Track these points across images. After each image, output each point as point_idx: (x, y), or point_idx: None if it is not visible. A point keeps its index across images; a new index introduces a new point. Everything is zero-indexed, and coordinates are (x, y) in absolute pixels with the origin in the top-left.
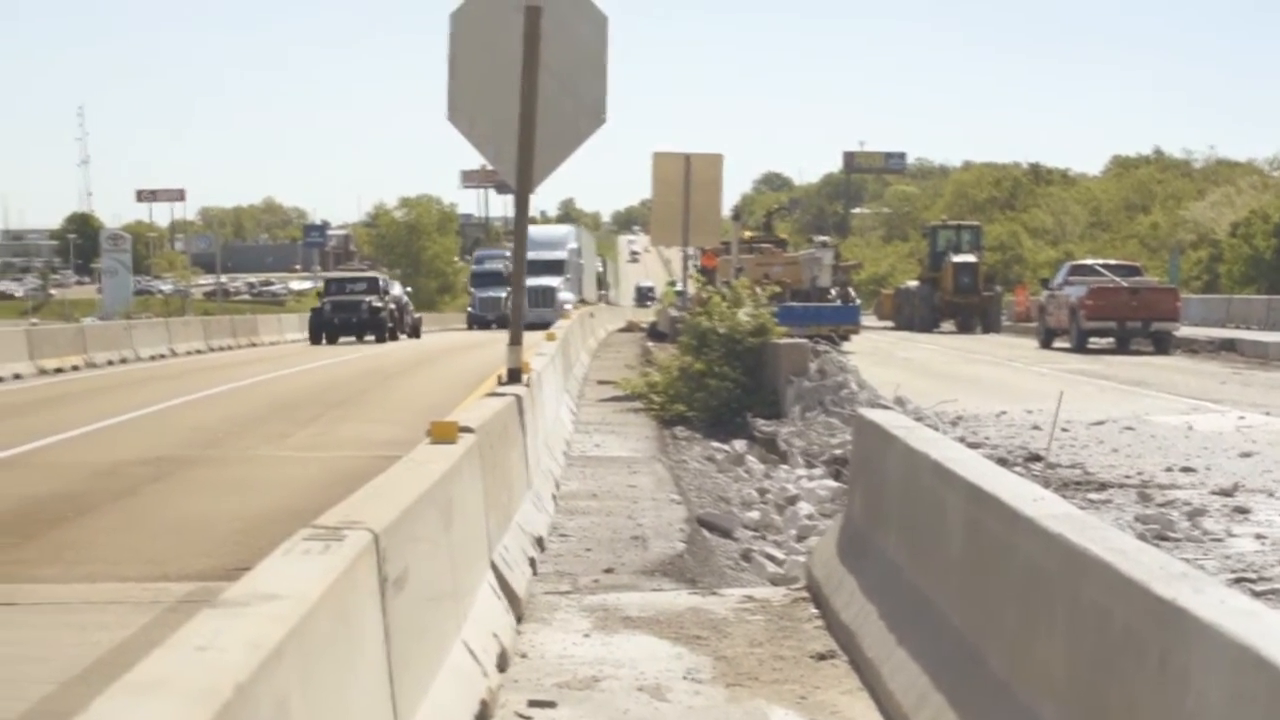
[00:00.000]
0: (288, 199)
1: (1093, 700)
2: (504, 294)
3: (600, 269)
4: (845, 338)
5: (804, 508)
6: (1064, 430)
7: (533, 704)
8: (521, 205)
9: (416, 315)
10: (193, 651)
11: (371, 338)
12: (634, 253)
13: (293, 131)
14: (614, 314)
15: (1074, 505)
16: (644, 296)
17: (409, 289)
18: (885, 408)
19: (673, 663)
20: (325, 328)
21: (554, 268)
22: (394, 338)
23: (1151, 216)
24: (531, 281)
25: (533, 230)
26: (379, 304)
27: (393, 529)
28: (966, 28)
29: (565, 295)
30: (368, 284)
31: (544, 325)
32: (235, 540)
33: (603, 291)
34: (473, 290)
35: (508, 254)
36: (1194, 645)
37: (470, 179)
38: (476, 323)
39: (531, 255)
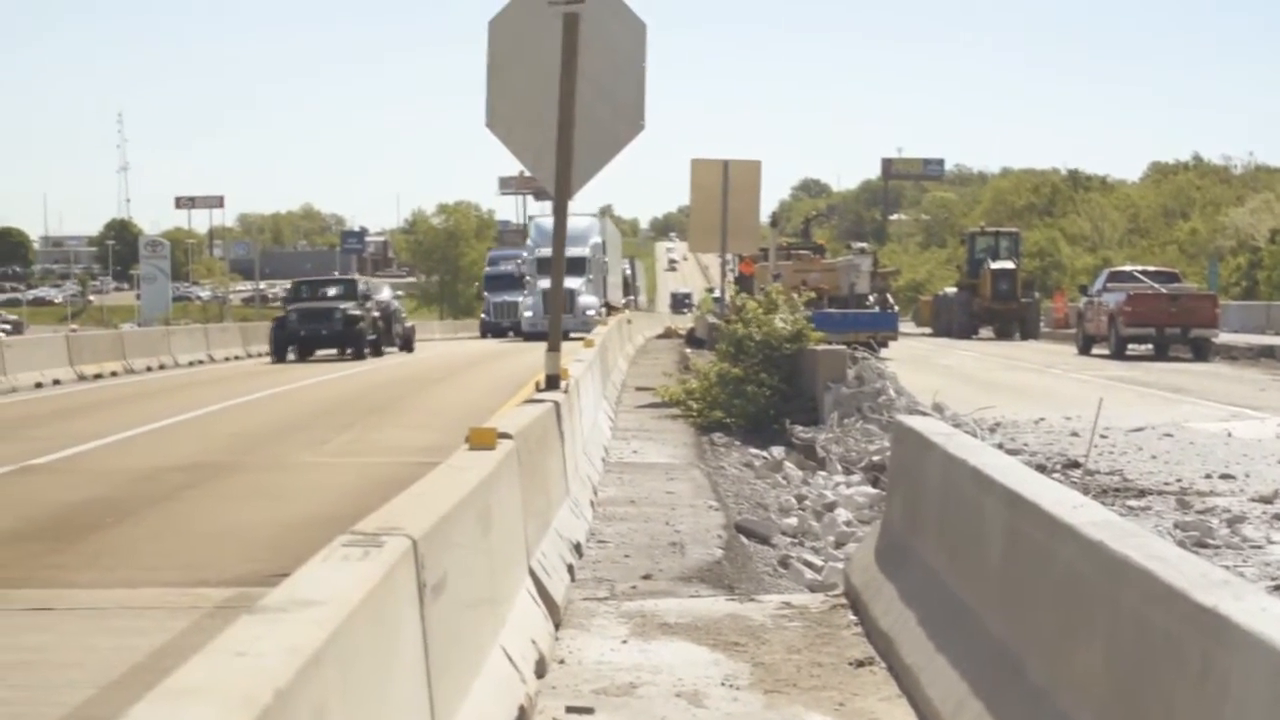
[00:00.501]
0: (326, 205)
1: (1132, 708)
2: (520, 297)
3: (627, 270)
4: (883, 344)
5: (842, 514)
6: (1103, 437)
7: (570, 710)
8: (560, 212)
9: (410, 324)
10: (232, 657)
11: (351, 352)
12: (672, 261)
13: (331, 138)
14: (647, 321)
15: (1113, 512)
16: (680, 303)
17: (399, 294)
18: (923, 414)
19: (710, 669)
20: (291, 341)
21: (574, 266)
22: (377, 353)
23: (1191, 223)
24: (544, 283)
25: (547, 223)
26: (356, 312)
27: (431, 535)
28: (1004, 35)
29: (588, 299)
30: (344, 288)
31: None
32: (273, 546)
33: (629, 297)
34: (486, 295)
35: (524, 253)
36: (1235, 653)
37: (508, 185)
38: (490, 330)
39: (544, 252)
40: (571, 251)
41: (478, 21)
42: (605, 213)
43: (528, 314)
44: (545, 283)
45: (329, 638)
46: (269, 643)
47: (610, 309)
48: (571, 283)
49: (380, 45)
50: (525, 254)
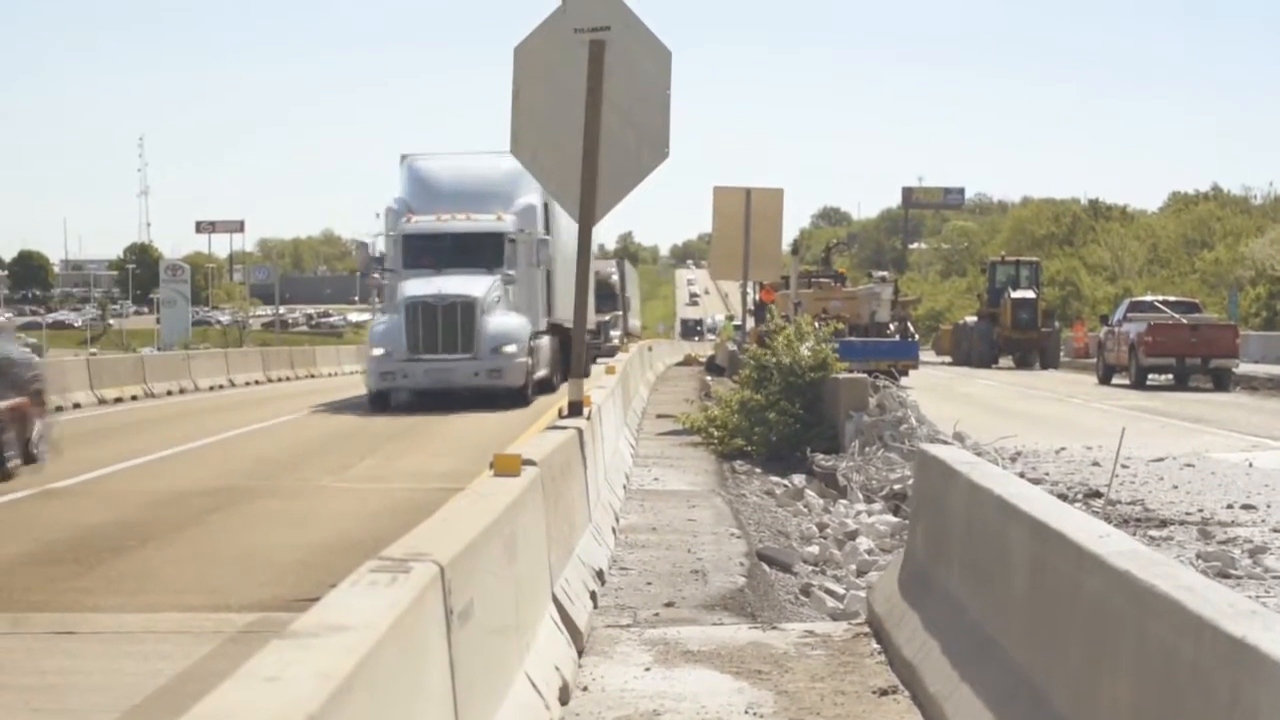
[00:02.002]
0: (347, 230)
1: None
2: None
3: (614, 275)
4: (904, 373)
5: (864, 543)
6: (1124, 467)
7: None
8: (584, 239)
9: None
10: (264, 682)
11: None
12: (694, 295)
13: (352, 163)
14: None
15: (1138, 542)
16: (690, 330)
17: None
18: (945, 443)
19: (734, 697)
20: None
21: (475, 251)
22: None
23: (1213, 253)
24: (420, 288)
25: (435, 165)
26: None
27: (458, 561)
28: (1025, 65)
29: (505, 323)
30: None
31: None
32: (296, 571)
33: (616, 312)
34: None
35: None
36: (1263, 684)
37: None
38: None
39: (424, 224)
40: (480, 220)
41: (503, 47)
42: (626, 240)
43: (377, 352)
44: (420, 287)
45: (359, 663)
46: (300, 668)
47: (630, 336)
48: (469, 286)
49: (402, 70)
50: (375, 241)
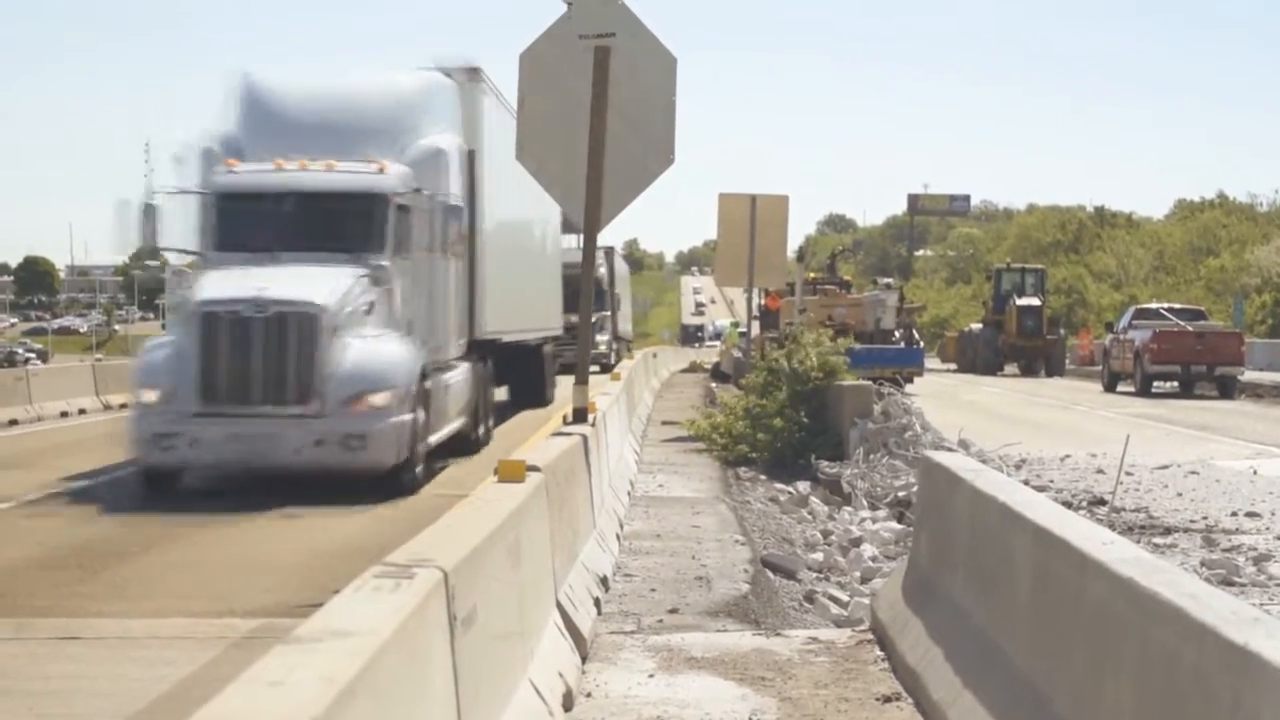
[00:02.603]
0: None
1: None
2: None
3: (602, 271)
4: (909, 380)
5: (868, 550)
6: (1128, 474)
7: None
8: (589, 245)
9: None
10: (267, 687)
11: None
12: (699, 304)
13: None
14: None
15: (1142, 550)
16: (690, 337)
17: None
18: (949, 450)
19: (737, 704)
20: None
21: (344, 222)
22: None
23: (1219, 260)
24: (237, 287)
25: (272, 81)
26: None
27: (462, 567)
28: (1031, 72)
29: (373, 354)
30: None
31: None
32: (300, 576)
33: (604, 312)
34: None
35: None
36: (1266, 690)
37: None
38: None
39: (245, 178)
40: (335, 171)
41: (508, 54)
42: (632, 247)
43: (147, 398)
44: (229, 284)
45: (362, 668)
46: (304, 673)
47: (620, 341)
48: (310, 285)
49: None
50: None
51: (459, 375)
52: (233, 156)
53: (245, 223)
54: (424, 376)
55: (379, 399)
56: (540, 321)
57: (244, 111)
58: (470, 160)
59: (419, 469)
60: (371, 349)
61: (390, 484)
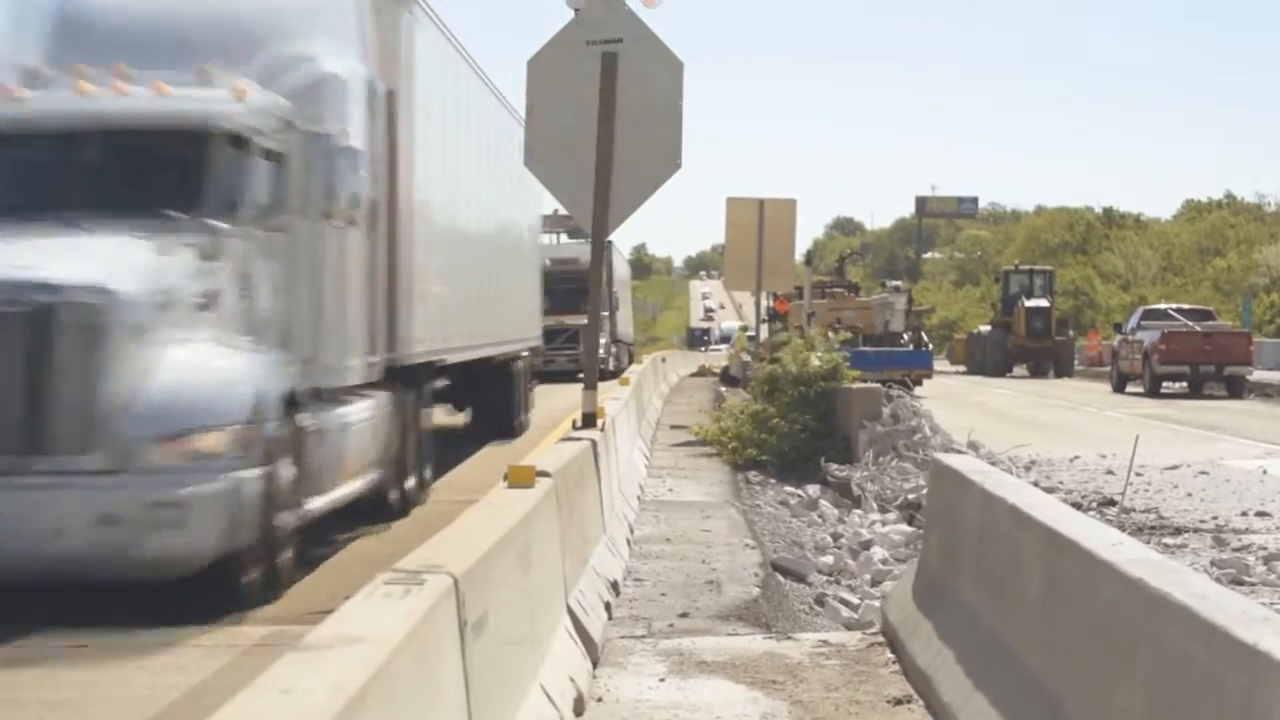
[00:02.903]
0: None
1: None
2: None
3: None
4: (918, 382)
5: (878, 552)
6: (1138, 475)
7: None
8: (597, 250)
9: None
10: (278, 694)
11: None
12: (709, 310)
13: None
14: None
15: (1152, 550)
16: (696, 340)
17: None
18: (959, 452)
19: (748, 707)
20: None
21: (163, 168)
22: None
23: (1227, 260)
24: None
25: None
26: None
27: (472, 573)
28: (1038, 74)
29: (194, 367)
30: None
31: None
32: (309, 583)
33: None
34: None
35: None
36: (1277, 689)
37: (544, 224)
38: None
39: (77, 102)
40: (160, 93)
41: (517, 59)
42: (640, 251)
43: None
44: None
45: (373, 675)
46: (315, 679)
47: (620, 344)
48: (93, 258)
49: None
50: None
51: (364, 410)
52: (26, 78)
53: (22, 171)
54: (294, 406)
55: (208, 441)
56: (510, 332)
57: (53, 15)
58: (390, 103)
59: (284, 556)
60: (198, 361)
61: (212, 594)
